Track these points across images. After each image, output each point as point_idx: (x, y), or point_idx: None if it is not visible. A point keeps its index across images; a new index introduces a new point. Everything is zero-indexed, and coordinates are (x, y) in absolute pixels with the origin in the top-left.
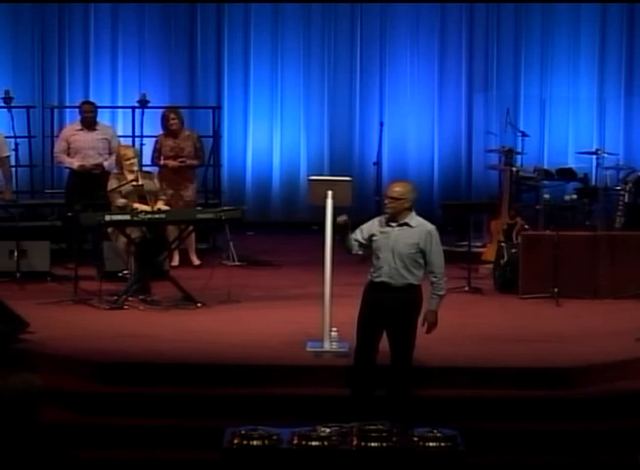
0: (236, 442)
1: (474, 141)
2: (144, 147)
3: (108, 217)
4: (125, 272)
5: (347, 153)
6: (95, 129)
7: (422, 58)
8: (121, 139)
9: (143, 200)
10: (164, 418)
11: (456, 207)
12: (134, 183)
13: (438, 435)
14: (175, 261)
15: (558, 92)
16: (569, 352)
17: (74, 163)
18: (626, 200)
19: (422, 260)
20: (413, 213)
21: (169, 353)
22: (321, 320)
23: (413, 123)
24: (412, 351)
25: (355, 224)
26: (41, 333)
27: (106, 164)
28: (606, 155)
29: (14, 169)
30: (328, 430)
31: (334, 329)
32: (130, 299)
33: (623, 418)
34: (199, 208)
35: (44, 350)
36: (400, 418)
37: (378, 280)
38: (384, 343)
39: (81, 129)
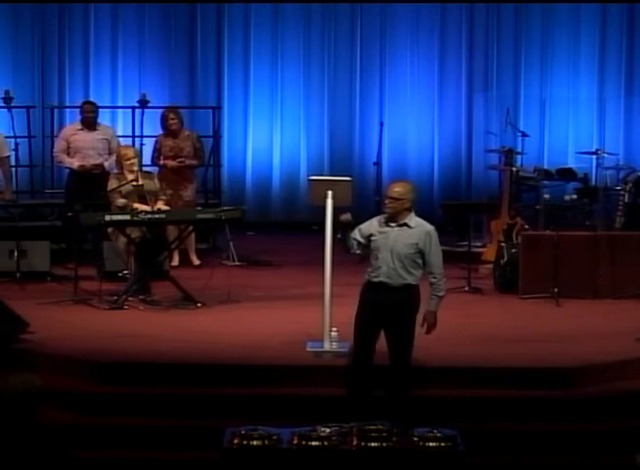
0: (236, 442)
1: (474, 141)
2: (144, 147)
3: (108, 217)
4: (125, 272)
5: (347, 153)
6: (95, 129)
7: (422, 58)
8: (121, 139)
9: (143, 200)
10: (164, 418)
11: (456, 207)
12: (134, 183)
13: (438, 435)
14: (175, 261)
15: (558, 92)
16: (569, 352)
17: (74, 162)
18: (626, 200)
19: (420, 261)
20: (412, 214)
21: (169, 353)
22: (321, 320)
23: (413, 123)
24: (411, 351)
25: (355, 225)
26: (41, 333)
27: (106, 164)
28: (606, 155)
29: (14, 169)
30: (328, 430)
31: (334, 329)
32: (130, 299)
33: (623, 418)
34: (199, 208)
35: (44, 350)
36: (400, 418)
37: (376, 280)
38: (381, 343)
39: (81, 129)
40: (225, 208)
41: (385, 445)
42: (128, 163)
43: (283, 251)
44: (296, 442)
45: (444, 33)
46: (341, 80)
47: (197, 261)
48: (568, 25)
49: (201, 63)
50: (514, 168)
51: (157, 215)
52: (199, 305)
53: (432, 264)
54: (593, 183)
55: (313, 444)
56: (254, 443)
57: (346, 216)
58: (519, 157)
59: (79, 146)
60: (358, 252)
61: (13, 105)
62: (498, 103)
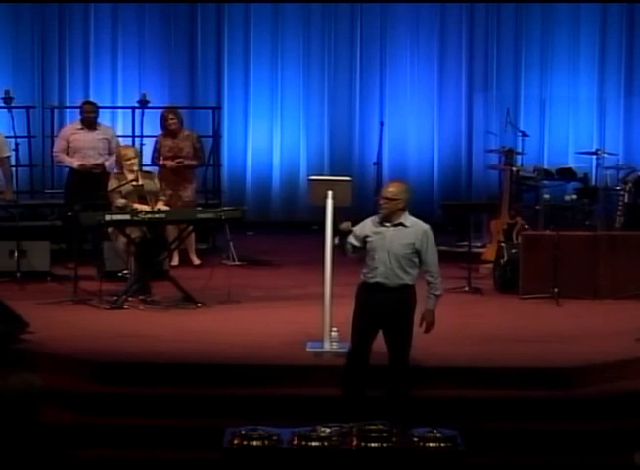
0: (236, 442)
1: (474, 141)
2: (144, 147)
3: (108, 217)
4: (125, 272)
5: (347, 153)
6: (95, 129)
7: (422, 58)
8: (121, 139)
9: (143, 200)
10: (164, 418)
11: (456, 207)
12: (134, 183)
13: (438, 435)
14: (175, 261)
15: (558, 92)
16: (569, 352)
17: (75, 162)
18: (626, 200)
19: (417, 260)
20: (407, 214)
21: (169, 353)
22: (321, 320)
23: (413, 123)
24: (409, 350)
25: (355, 225)
26: (41, 333)
27: (106, 163)
28: (606, 155)
29: (14, 169)
30: (328, 430)
31: (334, 329)
32: (130, 299)
33: (623, 418)
34: (199, 208)
35: (44, 350)
36: (398, 418)
37: (372, 281)
38: (379, 343)
39: (82, 129)
40: (225, 208)
41: (385, 445)
42: (128, 163)
43: (283, 251)
44: (296, 442)
45: (444, 33)
46: (341, 80)
47: (197, 261)
48: (568, 25)
49: (201, 63)
50: (514, 168)
51: (157, 215)
52: (199, 305)
53: (428, 263)
54: (593, 183)
55: (313, 444)
56: (254, 443)
57: (347, 225)
58: (519, 157)
59: (79, 146)
60: (353, 255)
61: (13, 105)
62: (498, 103)
